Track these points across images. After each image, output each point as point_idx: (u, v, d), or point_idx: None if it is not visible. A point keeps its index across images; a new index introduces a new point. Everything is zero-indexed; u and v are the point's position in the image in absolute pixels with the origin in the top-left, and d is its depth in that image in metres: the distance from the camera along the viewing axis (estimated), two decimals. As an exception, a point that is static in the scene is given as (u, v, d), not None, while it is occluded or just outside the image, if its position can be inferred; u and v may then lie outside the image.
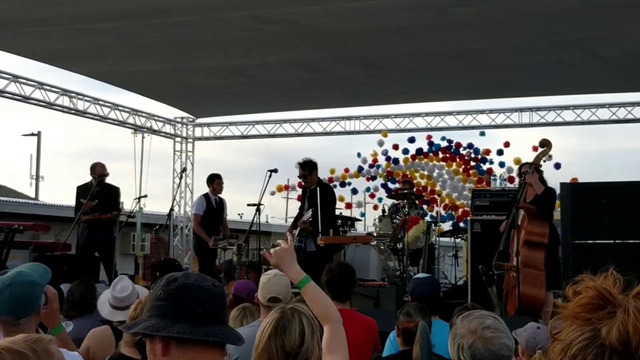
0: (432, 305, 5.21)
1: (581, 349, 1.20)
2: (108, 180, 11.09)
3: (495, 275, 7.91)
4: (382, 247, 11.61)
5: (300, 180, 10.10)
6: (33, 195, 29.77)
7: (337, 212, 13.04)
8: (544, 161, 8.08)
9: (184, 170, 15.32)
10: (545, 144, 8.05)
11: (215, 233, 11.44)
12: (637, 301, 1.19)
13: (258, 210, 10.08)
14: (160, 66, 12.36)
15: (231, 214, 12.22)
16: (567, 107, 14.97)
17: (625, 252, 7.44)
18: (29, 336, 2.07)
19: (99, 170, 10.98)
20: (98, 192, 10.73)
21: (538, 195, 7.81)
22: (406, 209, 11.47)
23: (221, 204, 11.68)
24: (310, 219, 9.54)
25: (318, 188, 9.77)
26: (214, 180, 11.59)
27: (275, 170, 10.13)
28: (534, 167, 7.97)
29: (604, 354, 1.18)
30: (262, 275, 5.01)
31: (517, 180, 11.40)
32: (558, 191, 8.25)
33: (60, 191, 56.06)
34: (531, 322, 4.75)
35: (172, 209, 12.40)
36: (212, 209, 11.49)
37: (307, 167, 9.89)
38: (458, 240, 13.37)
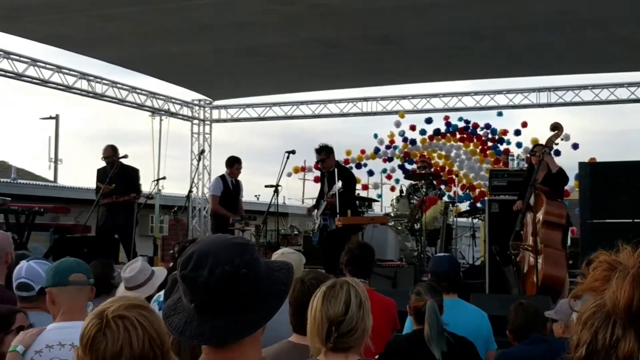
0: (450, 284, 5.23)
1: (590, 315, 1.27)
2: (127, 161, 11.12)
3: (513, 255, 7.92)
4: (399, 228, 11.63)
5: (318, 164, 10.14)
6: (52, 178, 29.93)
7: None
8: (556, 144, 8.06)
9: (202, 152, 15.35)
10: (557, 127, 8.04)
11: (233, 214, 11.48)
12: (636, 267, 1.25)
13: (276, 191, 10.11)
14: (177, 49, 12.39)
15: (248, 196, 12.24)
16: (585, 87, 14.89)
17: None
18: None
19: (104, 154, 11.01)
20: (117, 175, 10.76)
21: (552, 174, 7.82)
22: (424, 190, 11.47)
23: (237, 186, 11.66)
24: (341, 189, 9.52)
25: (336, 169, 9.83)
26: (234, 165, 11.52)
27: (293, 152, 10.15)
28: (547, 149, 7.97)
29: (608, 319, 1.24)
30: (273, 255, 5.03)
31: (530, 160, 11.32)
32: (576, 171, 8.23)
33: (78, 174, 56.32)
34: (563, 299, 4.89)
35: (190, 191, 12.45)
36: (229, 190, 11.48)
37: (324, 151, 9.97)
38: (475, 220, 13.35)
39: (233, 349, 1.95)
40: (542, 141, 8.92)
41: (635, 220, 7.49)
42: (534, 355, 4.34)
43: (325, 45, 12.27)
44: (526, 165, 13.78)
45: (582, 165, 7.81)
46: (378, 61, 13.40)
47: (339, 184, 9.49)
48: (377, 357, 4.53)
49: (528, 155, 10.26)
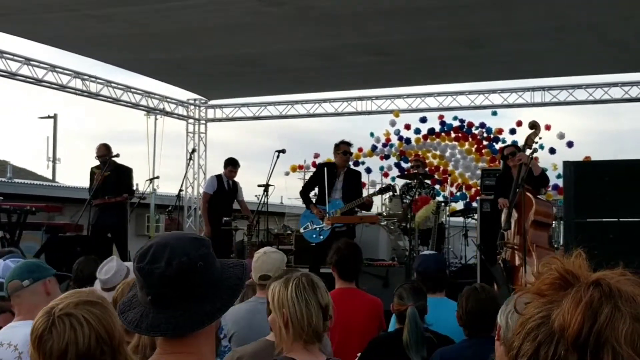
0: (437, 283, 5.25)
1: (535, 326, 1.21)
2: (121, 161, 11.14)
3: (499, 253, 7.95)
4: (392, 227, 11.62)
5: (346, 156, 9.91)
6: (50, 177, 29.95)
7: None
8: (535, 142, 8.11)
9: (193, 151, 15.33)
10: (535, 125, 8.10)
11: (226, 214, 11.49)
12: (590, 290, 1.18)
13: (266, 190, 10.12)
14: (169, 52, 12.39)
15: (248, 196, 12.23)
16: (579, 86, 14.90)
17: (628, 230, 7.39)
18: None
19: (98, 153, 11.02)
20: (110, 172, 10.78)
21: (534, 176, 7.91)
22: (416, 189, 11.47)
23: (235, 187, 11.66)
24: (394, 187, 9.45)
25: (349, 171, 9.95)
26: (227, 166, 11.55)
27: (283, 151, 10.14)
28: (527, 148, 8.04)
29: (553, 336, 1.18)
30: (255, 254, 5.01)
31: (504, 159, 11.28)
32: (561, 170, 8.29)
33: (77, 173, 56.30)
34: None
35: (181, 190, 12.46)
36: (224, 190, 11.49)
37: (351, 146, 9.98)
38: (468, 220, 13.36)
39: (187, 342, 1.97)
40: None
41: (620, 220, 7.48)
42: (473, 356, 4.03)
43: (318, 55, 12.29)
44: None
45: (566, 164, 7.79)
46: (372, 71, 13.45)
47: (378, 186, 9.50)
48: (359, 355, 4.56)
49: (501, 155, 10.28)
